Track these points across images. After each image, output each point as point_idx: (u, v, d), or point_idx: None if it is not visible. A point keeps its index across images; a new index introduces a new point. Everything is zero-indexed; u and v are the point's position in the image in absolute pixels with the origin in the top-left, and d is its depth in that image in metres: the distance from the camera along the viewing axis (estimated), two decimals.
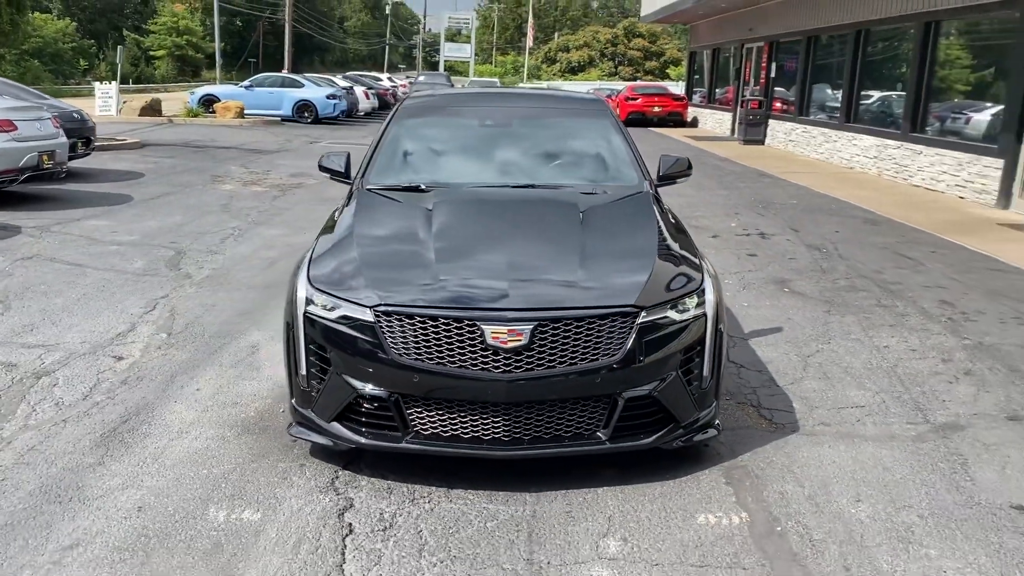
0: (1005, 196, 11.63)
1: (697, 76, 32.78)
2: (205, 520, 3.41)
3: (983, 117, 12.92)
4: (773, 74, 22.38)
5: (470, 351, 3.56)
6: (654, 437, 3.76)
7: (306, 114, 27.82)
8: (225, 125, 25.17)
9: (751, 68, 24.31)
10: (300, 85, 28.68)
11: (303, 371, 3.82)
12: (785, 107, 21.71)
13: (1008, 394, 4.92)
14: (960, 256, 8.71)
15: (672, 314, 3.74)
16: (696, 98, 31.80)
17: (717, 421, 3.99)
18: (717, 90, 29.22)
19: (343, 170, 5.16)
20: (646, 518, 3.49)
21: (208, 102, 28.12)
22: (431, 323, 3.58)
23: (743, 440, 4.24)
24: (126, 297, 6.54)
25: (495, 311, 3.57)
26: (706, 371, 3.86)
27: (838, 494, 3.71)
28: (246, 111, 26.85)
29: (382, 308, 3.62)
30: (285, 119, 27.78)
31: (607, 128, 5.43)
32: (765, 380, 5.09)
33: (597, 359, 3.60)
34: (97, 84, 28.27)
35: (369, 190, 4.86)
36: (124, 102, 26.98)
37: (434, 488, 3.71)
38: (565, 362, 3.58)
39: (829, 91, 19.12)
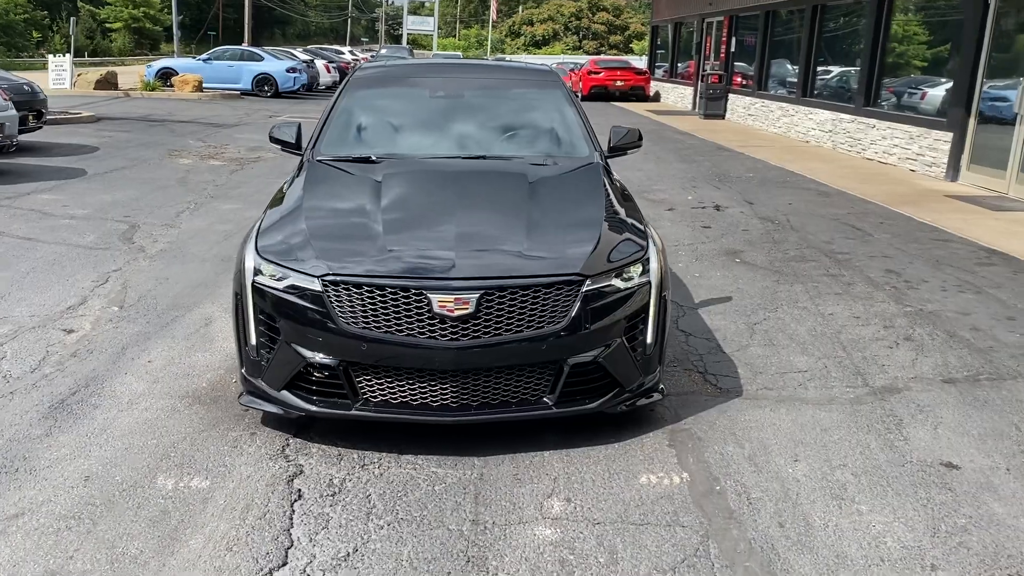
0: (953, 169, 11.88)
1: (660, 51, 32.83)
2: (153, 488, 3.44)
3: (934, 92, 13.15)
4: (733, 49, 22.51)
5: (417, 320, 3.61)
6: (599, 402, 3.84)
7: (266, 88, 27.51)
8: (183, 99, 24.81)
9: (711, 43, 24.42)
10: (260, 58, 28.33)
11: (252, 341, 3.85)
12: (745, 82, 21.87)
13: (945, 359, 5.08)
14: (907, 227, 8.91)
15: (617, 282, 3.81)
16: (659, 73, 31.88)
17: (661, 385, 4.09)
18: (679, 65, 29.31)
19: (294, 141, 5.17)
20: (590, 479, 3.58)
21: (166, 75, 27.68)
22: (378, 292, 3.62)
23: (688, 405, 4.34)
24: (77, 271, 6.49)
25: (442, 280, 3.62)
26: (650, 337, 3.95)
27: (776, 454, 3.83)
28: (204, 85, 26.47)
29: (330, 278, 3.65)
30: (244, 93, 27.47)
31: (559, 99, 5.48)
32: (712, 347, 5.21)
33: (543, 327, 3.67)
34: (51, 57, 27.65)
35: (319, 161, 4.87)
36: (79, 75, 26.45)
37: (384, 454, 3.77)
38: (512, 330, 3.64)
39: (787, 66, 19.29)
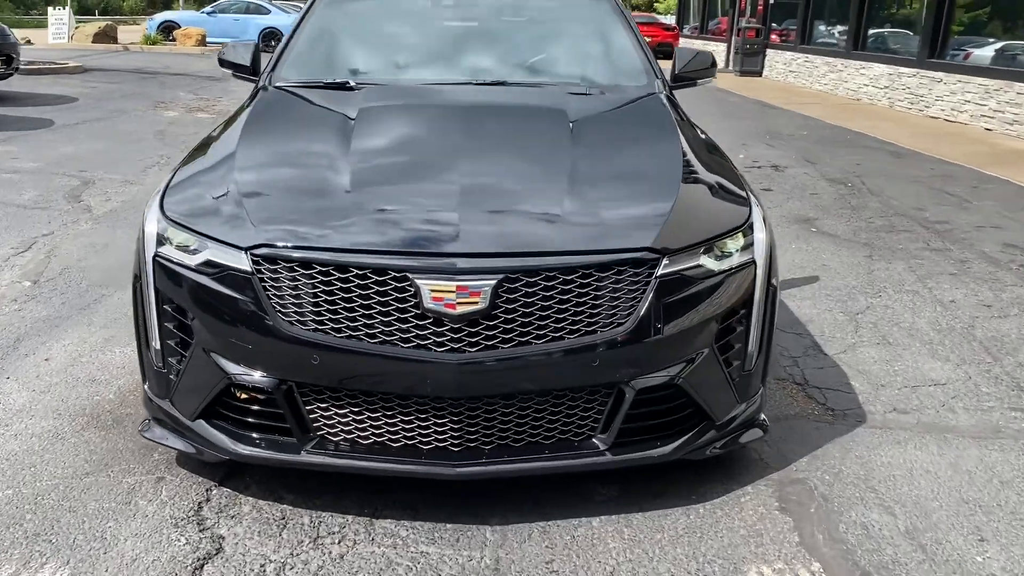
0: None
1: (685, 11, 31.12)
2: None
3: (1016, 39, 11.59)
4: (772, 0, 20.84)
5: (399, 319, 2.30)
6: (677, 444, 2.53)
7: (273, 42, 25.99)
8: (185, 53, 23.43)
9: None
10: (267, 11, 26.86)
11: (155, 344, 2.56)
12: (785, 36, 20.24)
13: None
14: (1008, 191, 7.47)
15: (707, 262, 2.49)
16: (686, 30, 30.17)
17: (763, 416, 2.77)
18: (709, 22, 27.61)
19: (249, 64, 3.84)
20: (666, 572, 2.28)
21: (168, 29, 26.31)
22: (338, 275, 2.31)
23: (793, 436, 3.03)
24: None
25: (439, 257, 2.31)
26: (752, 346, 2.63)
27: (948, 528, 2.51)
28: (208, 39, 25.06)
29: (263, 252, 2.35)
30: None
31: (605, 12, 4.11)
32: (808, 346, 3.88)
33: (594, 331, 2.36)
34: (51, 9, 26.31)
35: (278, 88, 3.55)
36: (76, 28, 25.11)
37: (350, 517, 2.49)
38: (545, 336, 2.33)
39: (834, 16, 17.67)
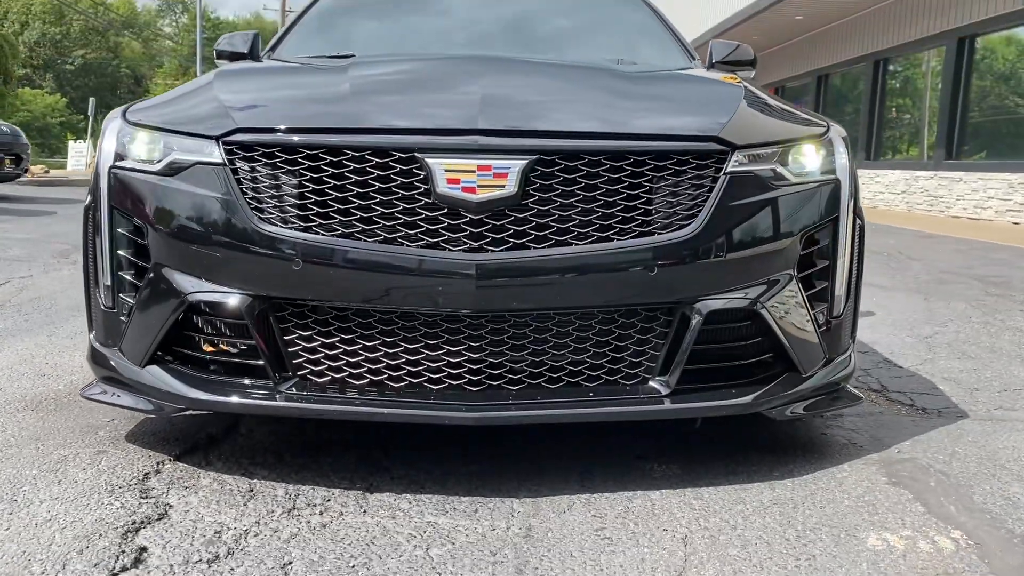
0: None
1: None
2: None
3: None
4: None
5: (405, 210, 1.83)
6: (757, 394, 1.99)
7: None
8: None
9: None
10: None
11: (106, 278, 2.08)
12: None
13: None
14: None
15: (784, 171, 2.03)
16: None
17: (848, 385, 2.22)
18: None
19: (247, 51, 3.49)
20: (756, 539, 1.71)
21: None
22: (328, 158, 1.85)
23: (884, 427, 2.47)
24: None
25: (456, 135, 1.86)
26: (840, 287, 2.13)
27: None
28: None
29: (239, 138, 1.90)
30: None
31: (635, 5, 3.80)
32: (879, 361, 3.36)
33: (650, 233, 1.87)
34: (71, 143, 27.07)
35: (272, 59, 3.20)
36: (94, 156, 25.62)
37: (337, 491, 1.93)
38: (588, 236, 1.85)
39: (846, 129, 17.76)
